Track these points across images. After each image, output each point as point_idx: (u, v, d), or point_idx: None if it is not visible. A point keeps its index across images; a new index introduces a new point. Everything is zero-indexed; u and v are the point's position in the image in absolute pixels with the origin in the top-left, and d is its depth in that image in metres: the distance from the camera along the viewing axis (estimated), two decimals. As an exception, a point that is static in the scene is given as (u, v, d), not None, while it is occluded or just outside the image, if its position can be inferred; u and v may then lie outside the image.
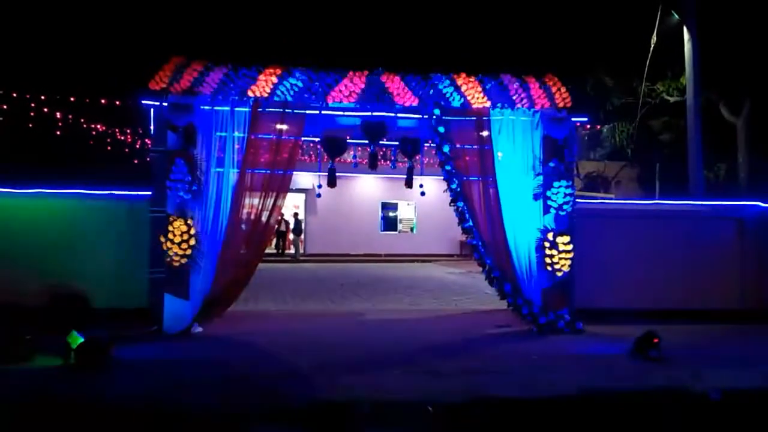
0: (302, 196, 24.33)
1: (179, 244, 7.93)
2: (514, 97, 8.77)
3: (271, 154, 8.53)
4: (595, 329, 8.53)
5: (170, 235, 7.92)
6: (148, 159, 13.98)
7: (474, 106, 8.77)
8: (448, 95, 8.69)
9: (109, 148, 22.97)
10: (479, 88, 8.75)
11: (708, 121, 15.65)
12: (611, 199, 19.24)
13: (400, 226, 26.19)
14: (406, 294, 13.23)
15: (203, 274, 8.20)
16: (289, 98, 8.48)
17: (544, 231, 8.65)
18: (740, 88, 18.32)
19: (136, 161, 23.42)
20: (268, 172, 8.49)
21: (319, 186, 9.79)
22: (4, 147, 20.72)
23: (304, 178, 22.36)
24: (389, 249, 24.69)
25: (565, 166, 8.68)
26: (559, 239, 8.54)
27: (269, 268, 16.83)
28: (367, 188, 25.28)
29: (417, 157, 10.12)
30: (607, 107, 21.32)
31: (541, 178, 8.70)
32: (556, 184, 8.57)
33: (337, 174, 9.67)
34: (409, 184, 9.53)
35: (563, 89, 8.87)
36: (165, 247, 7.93)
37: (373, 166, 9.43)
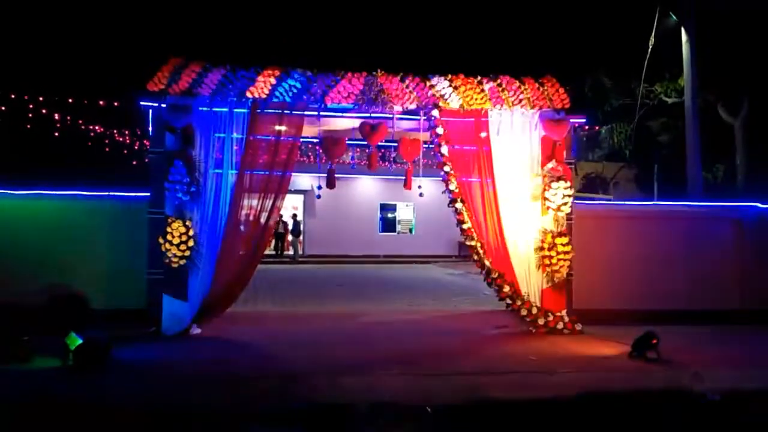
0: (301, 197, 24.30)
1: (178, 245, 7.93)
2: (512, 98, 8.78)
3: (269, 155, 8.54)
4: (593, 330, 8.52)
5: (169, 237, 7.91)
6: (146, 160, 14.00)
7: (472, 107, 8.78)
8: (446, 96, 8.70)
9: (107, 149, 22.94)
10: (477, 89, 8.75)
11: (706, 122, 15.70)
12: (609, 200, 19.26)
13: (398, 228, 26.17)
14: (405, 295, 13.22)
15: (202, 275, 8.20)
16: (288, 99, 8.48)
17: (543, 232, 8.66)
18: (738, 89, 18.35)
19: (134, 162, 23.40)
20: (267, 173, 8.50)
21: (319, 187, 9.76)
22: (2, 148, 20.69)
23: (302, 180, 22.31)
24: (388, 250, 24.65)
25: (564, 167, 8.70)
26: (558, 240, 8.55)
27: (268, 270, 16.78)
28: (366, 189, 25.26)
29: (415, 158, 10.12)
30: (606, 108, 21.33)
31: (539, 179, 8.71)
32: (554, 185, 8.58)
33: (336, 175, 9.66)
34: (407, 185, 9.52)
35: (561, 90, 8.88)
36: (163, 249, 7.93)
37: (371, 168, 9.42)
